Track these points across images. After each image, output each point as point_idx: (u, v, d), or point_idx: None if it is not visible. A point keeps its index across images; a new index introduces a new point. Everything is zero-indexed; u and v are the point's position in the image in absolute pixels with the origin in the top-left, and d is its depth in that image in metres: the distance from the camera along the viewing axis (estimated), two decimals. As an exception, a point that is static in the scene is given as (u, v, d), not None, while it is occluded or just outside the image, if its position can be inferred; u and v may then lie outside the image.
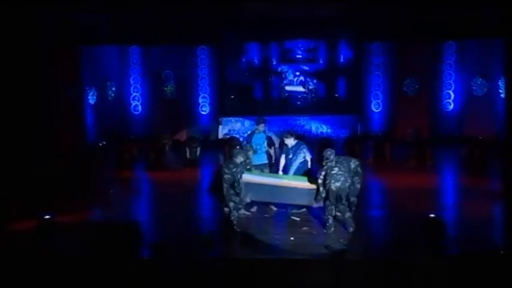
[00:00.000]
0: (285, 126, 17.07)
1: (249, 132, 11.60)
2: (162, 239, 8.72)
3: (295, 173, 10.01)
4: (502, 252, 7.22)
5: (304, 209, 10.09)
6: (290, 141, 10.03)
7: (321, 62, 18.49)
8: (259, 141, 10.38)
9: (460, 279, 6.76)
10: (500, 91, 17.18)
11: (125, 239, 8.00)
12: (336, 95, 18.61)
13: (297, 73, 18.56)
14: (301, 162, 10.02)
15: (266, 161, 10.42)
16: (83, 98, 16.65)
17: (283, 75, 18.60)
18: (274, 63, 18.58)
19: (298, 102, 18.62)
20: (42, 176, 11.29)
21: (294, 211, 10.05)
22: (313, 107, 18.42)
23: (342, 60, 18.48)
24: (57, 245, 8.49)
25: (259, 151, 10.34)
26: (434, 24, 16.30)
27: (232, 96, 18.55)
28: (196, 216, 10.52)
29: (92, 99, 17.25)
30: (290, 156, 10.03)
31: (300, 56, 18.47)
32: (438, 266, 6.99)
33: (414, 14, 15.79)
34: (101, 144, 16.31)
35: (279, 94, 18.70)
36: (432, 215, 8.81)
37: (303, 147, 10.10)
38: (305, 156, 10.05)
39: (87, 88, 16.96)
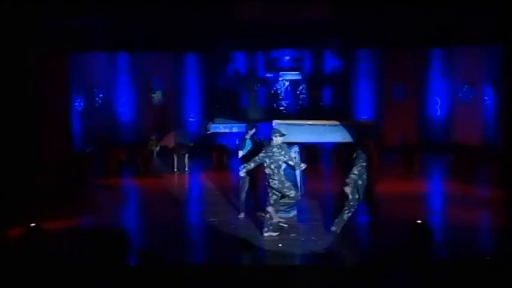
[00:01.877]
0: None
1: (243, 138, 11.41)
2: (149, 246, 8.69)
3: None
4: (488, 258, 7.26)
5: (292, 215, 10.12)
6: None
7: (309, 70, 18.58)
8: (250, 147, 10.36)
9: (447, 285, 6.79)
10: (486, 98, 17.34)
11: (112, 246, 7.96)
12: (324, 102, 18.69)
13: (282, 81, 18.66)
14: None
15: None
16: (70, 104, 16.59)
17: (270, 84, 18.68)
18: (261, 71, 18.66)
19: (284, 111, 18.70)
20: (29, 183, 11.21)
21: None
22: (301, 114, 18.47)
23: (330, 67, 18.59)
24: (44, 252, 8.43)
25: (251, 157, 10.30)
26: (421, 31, 16.47)
27: (217, 106, 18.58)
28: (184, 223, 10.50)
29: (79, 105, 17.19)
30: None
31: (286, 65, 18.57)
32: (425, 271, 7.02)
33: (402, 22, 15.93)
34: (88, 151, 16.24)
35: (266, 102, 18.77)
36: (419, 221, 8.86)
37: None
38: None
39: (75, 94, 16.90)
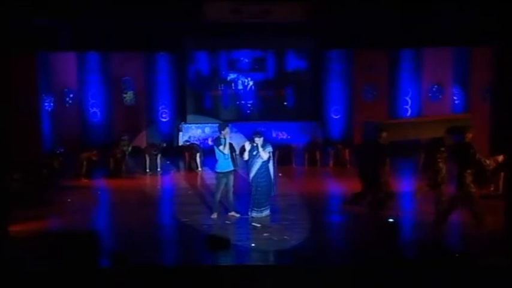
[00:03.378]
0: (245, 132, 17.16)
1: (214, 137, 11.27)
2: (121, 247, 8.62)
3: (258, 171, 10.15)
4: (457, 255, 7.40)
5: (264, 215, 10.18)
6: (260, 140, 10.15)
7: (273, 70, 18.64)
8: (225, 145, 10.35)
9: (416, 281, 6.89)
10: (455, 98, 17.61)
11: (84, 248, 7.89)
12: (288, 102, 18.76)
13: (246, 81, 18.70)
14: (264, 161, 10.17)
15: (232, 168, 10.41)
16: (40, 105, 16.37)
17: (234, 84, 18.71)
18: (224, 71, 18.67)
19: (249, 112, 18.69)
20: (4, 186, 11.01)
21: (254, 215, 10.15)
22: (265, 114, 18.52)
23: (294, 67, 18.67)
24: (14, 255, 8.31)
25: (227, 157, 10.29)
26: (391, 32, 16.69)
27: (186, 106, 18.54)
28: (157, 224, 10.45)
29: (49, 106, 16.96)
30: (254, 153, 10.13)
31: (250, 65, 18.63)
32: (396, 269, 7.11)
33: (371, 22, 16.13)
34: (58, 152, 16.03)
35: (235, 102, 18.75)
36: (391, 220, 8.98)
37: (269, 145, 10.36)
38: (270, 153, 10.26)
39: (44, 95, 16.68)
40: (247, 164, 10.27)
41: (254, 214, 10.21)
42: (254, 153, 10.16)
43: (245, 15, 14.80)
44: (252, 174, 10.20)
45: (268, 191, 10.31)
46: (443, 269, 7.02)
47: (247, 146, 10.26)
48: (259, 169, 10.16)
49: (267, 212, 10.31)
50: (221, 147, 10.16)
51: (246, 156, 10.23)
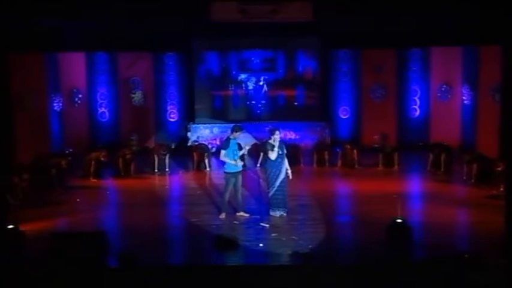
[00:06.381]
0: (254, 132, 17.15)
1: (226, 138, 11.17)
2: (130, 247, 8.64)
3: (285, 169, 10.26)
4: (466, 256, 7.36)
5: (278, 214, 10.18)
6: (278, 137, 10.23)
7: (284, 70, 18.58)
8: (235, 147, 10.35)
9: (426, 283, 6.87)
10: (464, 98, 17.53)
11: (92, 248, 7.92)
12: (299, 102, 18.70)
13: (257, 81, 18.63)
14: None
15: (241, 168, 10.41)
16: (49, 105, 16.44)
17: (244, 84, 18.64)
18: (235, 71, 18.62)
19: (259, 112, 18.63)
20: (6, 185, 11.06)
21: (270, 214, 10.15)
22: (282, 113, 18.46)
23: (304, 67, 18.61)
24: (23, 254, 8.35)
25: (236, 158, 10.27)
26: (399, 32, 16.65)
27: (196, 106, 18.47)
28: (165, 225, 10.46)
29: (57, 106, 17.03)
30: (281, 152, 10.21)
31: (260, 65, 18.58)
32: (405, 270, 7.09)
33: (380, 22, 16.09)
34: (67, 152, 16.09)
35: (245, 102, 18.70)
36: (399, 220, 8.94)
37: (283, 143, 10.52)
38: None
39: (53, 95, 16.75)
40: (275, 164, 10.19)
41: (283, 212, 10.26)
42: (280, 152, 10.19)
43: (252, 15, 14.79)
44: (283, 175, 10.20)
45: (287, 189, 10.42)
46: (446, 269, 7.01)
47: (276, 143, 10.17)
48: (285, 167, 10.25)
49: (281, 212, 10.34)
50: (223, 152, 10.18)
51: (274, 155, 10.17)
